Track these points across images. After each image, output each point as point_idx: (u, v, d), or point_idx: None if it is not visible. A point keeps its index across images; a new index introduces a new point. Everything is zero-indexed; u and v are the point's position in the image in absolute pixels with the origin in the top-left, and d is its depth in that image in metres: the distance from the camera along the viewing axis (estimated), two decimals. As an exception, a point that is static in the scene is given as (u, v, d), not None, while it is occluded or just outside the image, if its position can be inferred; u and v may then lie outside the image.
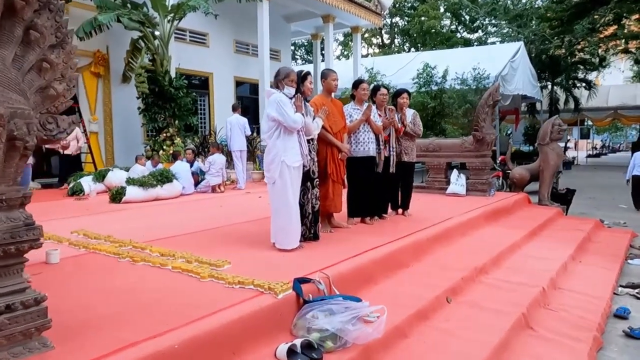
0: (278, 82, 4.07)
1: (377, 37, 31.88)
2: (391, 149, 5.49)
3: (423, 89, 13.51)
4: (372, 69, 14.24)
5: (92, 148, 10.45)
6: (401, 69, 16.01)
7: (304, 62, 29.88)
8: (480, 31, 28.32)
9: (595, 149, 39.21)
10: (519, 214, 6.99)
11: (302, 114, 4.02)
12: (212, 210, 6.54)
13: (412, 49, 27.82)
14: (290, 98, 4.03)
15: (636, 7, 16.96)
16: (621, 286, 4.61)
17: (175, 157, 9.10)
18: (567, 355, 2.97)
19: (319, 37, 17.31)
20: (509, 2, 24.53)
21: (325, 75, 4.80)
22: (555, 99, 22.04)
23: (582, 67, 22.46)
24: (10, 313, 1.98)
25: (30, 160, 6.25)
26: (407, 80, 13.82)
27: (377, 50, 31.89)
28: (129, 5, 10.25)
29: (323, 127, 4.48)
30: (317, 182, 4.37)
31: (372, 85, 6.12)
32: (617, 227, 7.42)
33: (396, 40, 32.22)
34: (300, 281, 2.96)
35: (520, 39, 19.72)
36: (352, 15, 14.39)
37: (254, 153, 11.62)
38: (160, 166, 8.91)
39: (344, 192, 5.03)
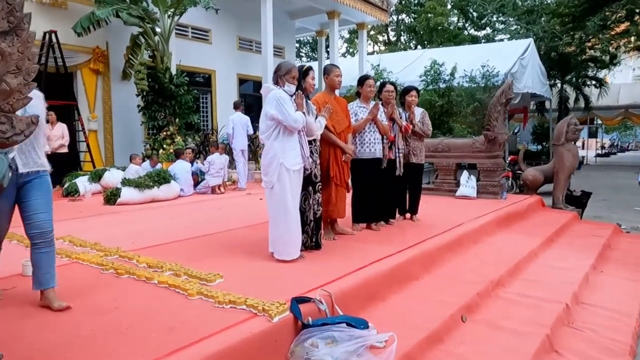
0: (278, 77, 3.74)
1: (383, 34, 31.47)
2: (397, 150, 5.15)
3: (430, 87, 13.13)
4: (378, 65, 13.87)
5: (91, 147, 10.17)
6: (407, 66, 15.63)
7: (308, 59, 29.51)
8: (488, 28, 27.85)
9: (604, 148, 38.62)
10: (533, 219, 6.63)
11: (304, 113, 3.70)
12: (209, 214, 6.23)
13: (419, 47, 27.42)
14: (291, 96, 3.70)
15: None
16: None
17: (177, 155, 8.78)
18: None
19: (323, 33, 16.99)
20: (518, -2, 24.05)
21: (328, 70, 4.44)
22: (565, 97, 21.58)
23: (592, 64, 21.95)
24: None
25: None
26: (414, 77, 13.44)
27: (382, 48, 31.47)
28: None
29: (326, 126, 4.14)
30: (320, 187, 4.04)
31: (378, 82, 5.77)
32: (636, 233, 7.04)
33: (402, 38, 31.79)
34: (298, 301, 2.63)
35: (529, 35, 19.27)
36: (357, 11, 14.06)
37: (256, 152, 11.32)
38: (159, 166, 8.62)
39: (348, 196, 4.69)
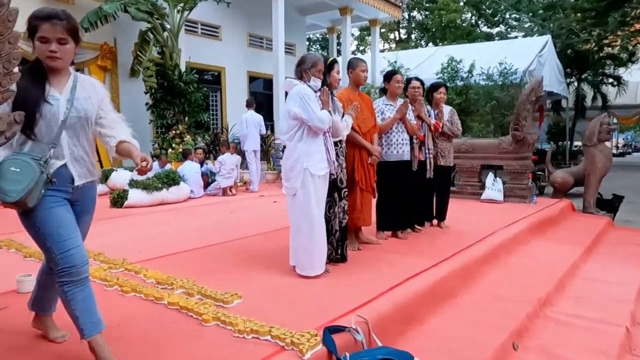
0: (302, 71, 3.35)
1: (394, 31, 30.98)
2: (427, 151, 4.76)
3: (448, 85, 12.68)
4: (395, 62, 13.43)
5: (99, 146, 9.84)
6: (421, 63, 15.16)
7: (318, 57, 29.08)
8: (501, 25, 27.28)
9: (617, 147, 37.81)
10: (565, 225, 6.20)
11: (329, 111, 3.31)
12: (221, 217, 5.87)
13: (430, 44, 26.91)
14: (316, 92, 3.32)
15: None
16: None
17: (185, 155, 8.42)
18: None
19: (335, 30, 16.62)
20: (533, -6, 23.49)
21: (354, 65, 4.04)
22: (582, 95, 20.99)
23: (609, 62, 21.32)
24: None
25: None
26: (429, 74, 12.98)
27: (393, 46, 30.98)
28: (136, -6, 9.64)
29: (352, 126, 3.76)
30: (346, 193, 3.65)
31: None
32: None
33: (412, 35, 31.29)
34: (331, 330, 2.25)
35: (544, 32, 18.72)
36: (370, 7, 13.69)
37: (268, 152, 10.96)
38: (168, 166, 8.27)
39: (373, 201, 4.31)
